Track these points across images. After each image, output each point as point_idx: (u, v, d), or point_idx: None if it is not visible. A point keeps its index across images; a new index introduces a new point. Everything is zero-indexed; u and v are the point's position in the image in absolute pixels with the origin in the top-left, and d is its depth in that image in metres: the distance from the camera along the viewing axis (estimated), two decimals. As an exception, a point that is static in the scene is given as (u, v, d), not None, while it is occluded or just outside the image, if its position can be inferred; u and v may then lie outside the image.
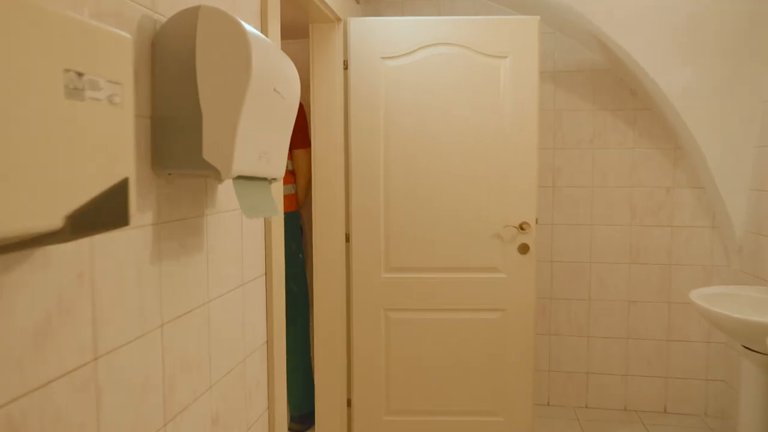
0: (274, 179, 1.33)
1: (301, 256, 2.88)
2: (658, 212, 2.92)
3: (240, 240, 1.51)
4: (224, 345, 1.41)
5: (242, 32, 1.05)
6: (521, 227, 2.54)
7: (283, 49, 3.11)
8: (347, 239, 2.61)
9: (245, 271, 1.55)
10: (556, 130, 3.00)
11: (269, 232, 1.68)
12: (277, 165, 1.29)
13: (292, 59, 3.12)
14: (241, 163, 1.10)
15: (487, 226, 2.55)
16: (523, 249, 2.55)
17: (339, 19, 2.48)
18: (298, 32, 2.96)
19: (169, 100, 1.10)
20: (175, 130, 1.10)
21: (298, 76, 1.34)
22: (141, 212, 1.06)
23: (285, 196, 2.78)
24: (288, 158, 2.76)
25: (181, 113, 1.09)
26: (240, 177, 1.15)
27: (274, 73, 1.17)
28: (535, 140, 2.53)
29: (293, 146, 2.79)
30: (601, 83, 2.95)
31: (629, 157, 2.94)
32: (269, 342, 1.70)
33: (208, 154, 1.06)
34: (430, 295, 2.59)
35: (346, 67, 2.55)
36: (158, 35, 1.10)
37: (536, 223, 2.56)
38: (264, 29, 1.66)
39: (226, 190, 1.41)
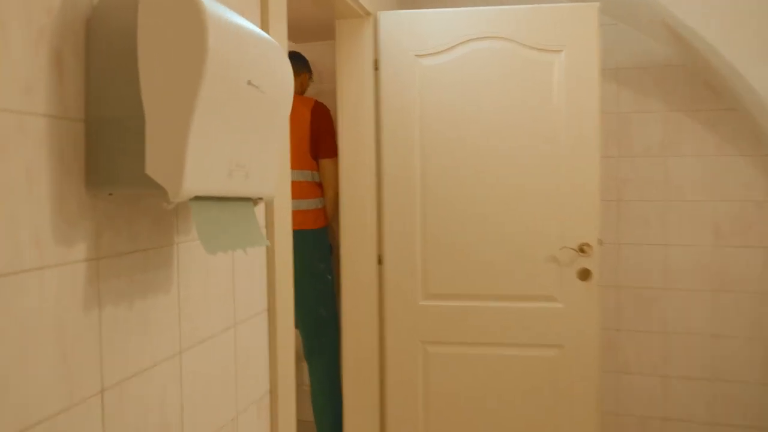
0: (260, 199, 1.05)
1: (330, 277, 2.61)
2: (748, 231, 2.47)
3: (230, 271, 1.24)
4: (204, 403, 1.14)
5: (195, 4, 0.78)
6: (581, 249, 2.17)
7: (308, 51, 2.87)
8: (379, 261, 2.32)
9: (238, 309, 1.27)
10: (621, 135, 2.62)
11: (273, 257, 1.41)
12: (261, 180, 1.01)
13: (319, 63, 2.87)
14: (200, 180, 0.82)
15: (541, 248, 2.20)
16: (584, 275, 2.18)
17: (369, 14, 2.21)
18: (324, 32, 2.71)
19: (108, 97, 0.84)
20: (116, 137, 0.83)
21: (289, 69, 1.06)
22: (66, 246, 0.80)
23: (311, 211, 2.52)
24: (314, 168, 2.50)
25: (123, 114, 0.83)
26: (200, 198, 0.87)
27: (248, 62, 0.89)
28: (596, 147, 2.17)
29: (320, 155, 2.53)
30: (674, 81, 2.55)
31: (710, 166, 2.52)
32: (273, 391, 1.42)
33: (152, 168, 0.79)
34: (474, 326, 2.25)
35: (376, 68, 2.27)
36: (96, 10, 0.85)
37: (599, 244, 2.18)
38: (264, 24, 1.39)
39: (208, 212, 1.14)
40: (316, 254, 2.54)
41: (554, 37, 2.16)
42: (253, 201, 1.05)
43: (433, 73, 2.22)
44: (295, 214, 2.48)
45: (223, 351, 1.20)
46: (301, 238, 2.49)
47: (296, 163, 2.48)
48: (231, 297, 1.24)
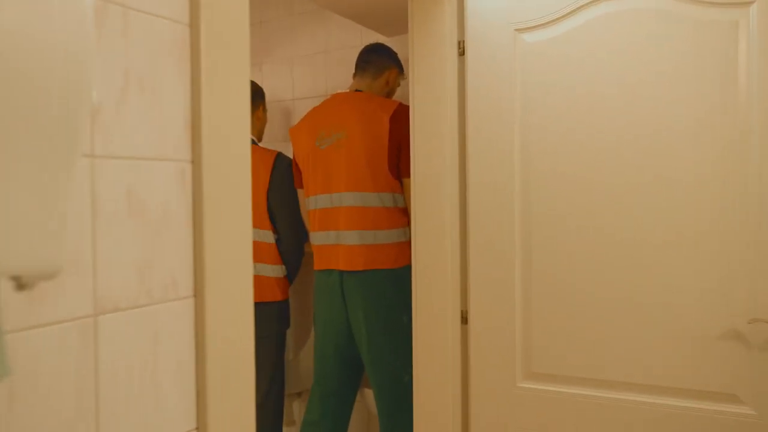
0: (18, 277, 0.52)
1: (415, 332, 2.01)
2: None
3: (90, 367, 0.73)
4: None
5: None
6: (788, 323, 1.32)
7: (402, 46, 2.31)
8: (464, 319, 1.67)
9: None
10: None
11: (203, 334, 0.87)
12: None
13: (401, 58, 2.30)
14: None
15: (714, 317, 1.38)
16: (794, 365, 1.32)
17: (449, -21, 1.60)
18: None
19: None
20: None
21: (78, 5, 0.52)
22: None
23: (390, 246, 1.96)
24: (397, 190, 1.94)
25: None
26: None
27: None
28: (818, 155, 1.31)
29: (404, 173, 1.96)
30: None
31: None
32: None
33: None
34: (601, 427, 1.50)
35: (462, 52, 1.65)
36: None
37: (823, 316, 1.31)
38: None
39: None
40: (398, 302, 1.97)
41: (739, -18, 1.35)
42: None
43: (541, 53, 1.54)
44: (367, 249, 1.94)
45: None
46: (374, 280, 1.95)
47: (371, 184, 1.93)
48: (82, 424, 0.72)
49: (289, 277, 2.31)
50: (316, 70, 2.72)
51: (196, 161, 0.86)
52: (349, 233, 1.94)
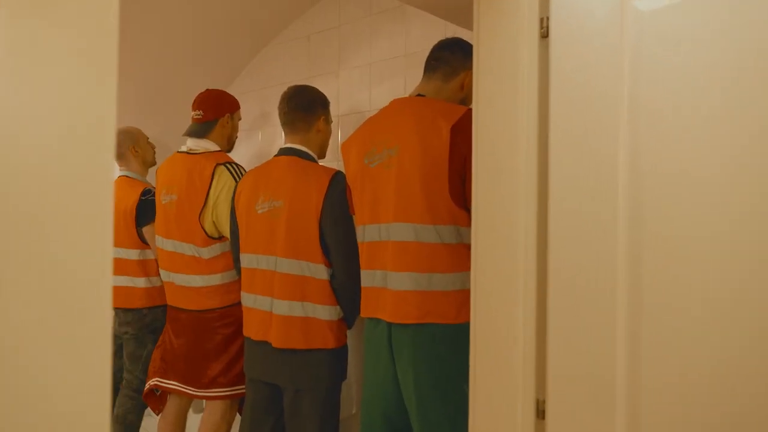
0: None
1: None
2: None
3: None
4: None
5: None
6: None
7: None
8: (540, 413, 1.16)
9: None
10: None
11: None
12: None
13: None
14: None
15: None
16: None
17: (525, -71, 1.14)
18: None
19: None
20: None
21: None
22: None
23: (456, 294, 1.50)
24: (462, 222, 1.51)
25: None
26: None
27: None
28: None
29: (470, 200, 1.50)
30: None
31: None
32: None
33: None
34: None
35: (545, 34, 1.17)
36: None
37: None
38: None
39: None
40: (458, 366, 1.50)
41: None
42: None
43: (660, 23, 1.02)
44: (420, 297, 1.50)
45: None
46: (429, 337, 1.51)
47: (426, 214, 1.50)
48: None
49: (347, 320, 1.93)
50: (395, 76, 2.35)
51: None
52: (397, 275, 1.51)
